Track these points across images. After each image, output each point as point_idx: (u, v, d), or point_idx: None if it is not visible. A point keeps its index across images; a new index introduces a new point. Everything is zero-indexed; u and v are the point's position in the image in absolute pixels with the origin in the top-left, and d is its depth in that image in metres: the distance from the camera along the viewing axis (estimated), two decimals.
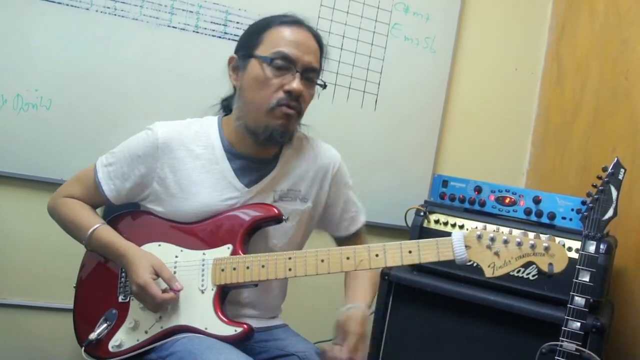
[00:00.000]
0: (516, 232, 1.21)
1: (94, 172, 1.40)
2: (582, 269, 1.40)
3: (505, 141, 2.52)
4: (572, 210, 1.75)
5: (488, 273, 1.20)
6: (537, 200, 1.79)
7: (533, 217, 1.80)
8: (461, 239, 1.20)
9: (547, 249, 1.17)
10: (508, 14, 2.50)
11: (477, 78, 2.48)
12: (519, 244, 1.18)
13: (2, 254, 1.96)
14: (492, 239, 1.19)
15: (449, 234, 1.24)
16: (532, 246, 1.18)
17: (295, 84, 1.30)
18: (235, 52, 1.40)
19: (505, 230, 1.22)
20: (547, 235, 1.20)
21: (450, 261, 1.22)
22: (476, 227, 1.22)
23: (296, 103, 1.32)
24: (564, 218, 1.76)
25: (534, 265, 1.20)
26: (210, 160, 1.37)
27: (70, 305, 1.43)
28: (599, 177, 1.43)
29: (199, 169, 1.36)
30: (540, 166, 2.45)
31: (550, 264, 1.17)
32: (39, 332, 2.02)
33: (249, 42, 1.36)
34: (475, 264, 1.22)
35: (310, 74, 1.35)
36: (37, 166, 1.95)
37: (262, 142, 1.35)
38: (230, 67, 1.40)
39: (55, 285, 1.99)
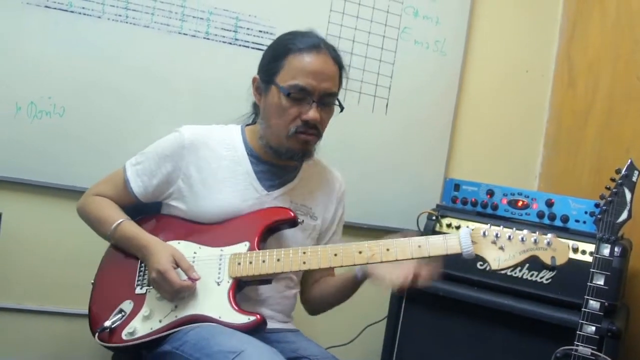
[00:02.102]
0: (520, 230, 1.27)
1: (123, 171, 1.47)
2: (596, 272, 1.39)
3: (517, 144, 2.51)
4: (586, 213, 1.73)
5: (494, 265, 1.26)
6: (550, 203, 1.78)
7: (546, 220, 1.79)
8: (468, 234, 1.27)
9: (549, 244, 1.24)
10: (518, 16, 2.49)
11: (488, 80, 2.46)
12: (523, 240, 1.25)
13: (15, 260, 1.98)
14: (497, 235, 1.27)
15: None
16: (535, 241, 1.25)
17: (312, 113, 1.36)
18: (258, 73, 1.45)
19: (510, 228, 1.28)
20: (550, 234, 1.26)
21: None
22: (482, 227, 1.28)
23: (314, 129, 1.39)
24: (577, 221, 1.74)
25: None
26: (234, 161, 1.44)
27: (84, 311, 1.44)
28: (613, 179, 1.41)
29: (223, 169, 1.43)
30: (553, 169, 2.44)
31: (553, 257, 1.23)
32: (51, 337, 2.03)
33: (269, 66, 1.41)
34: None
35: (328, 99, 1.40)
36: (51, 173, 1.97)
37: (284, 159, 1.43)
38: (254, 87, 1.46)
39: (68, 291, 2.00)
